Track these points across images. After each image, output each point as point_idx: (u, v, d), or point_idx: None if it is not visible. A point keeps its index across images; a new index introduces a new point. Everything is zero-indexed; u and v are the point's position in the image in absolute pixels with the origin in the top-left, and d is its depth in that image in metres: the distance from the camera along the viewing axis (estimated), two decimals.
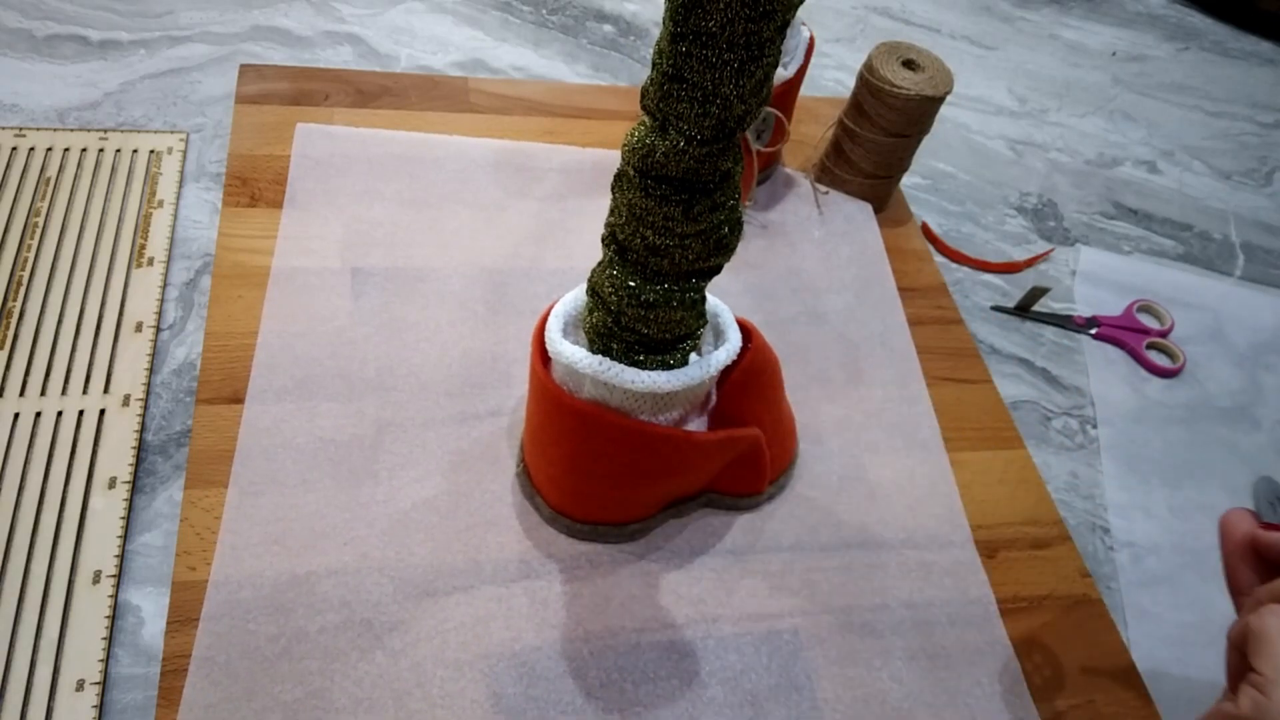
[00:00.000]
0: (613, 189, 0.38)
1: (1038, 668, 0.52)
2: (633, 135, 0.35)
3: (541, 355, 0.45)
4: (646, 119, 0.35)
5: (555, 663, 0.47)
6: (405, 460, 0.53)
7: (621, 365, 0.42)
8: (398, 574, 0.49)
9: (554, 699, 0.46)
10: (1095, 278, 0.80)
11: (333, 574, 0.48)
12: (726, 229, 0.38)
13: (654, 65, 0.33)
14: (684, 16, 0.30)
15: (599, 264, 0.41)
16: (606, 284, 0.40)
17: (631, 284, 0.39)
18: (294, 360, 0.56)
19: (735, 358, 0.46)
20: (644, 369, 0.42)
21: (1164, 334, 0.75)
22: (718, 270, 0.41)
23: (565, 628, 0.48)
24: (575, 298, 0.46)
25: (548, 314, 0.45)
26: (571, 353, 0.43)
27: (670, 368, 0.43)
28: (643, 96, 0.34)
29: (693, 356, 0.44)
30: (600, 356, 0.42)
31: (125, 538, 0.48)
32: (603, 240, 0.40)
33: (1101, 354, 0.74)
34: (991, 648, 0.52)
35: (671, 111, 0.33)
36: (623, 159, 0.37)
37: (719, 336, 0.47)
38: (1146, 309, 0.78)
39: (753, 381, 0.49)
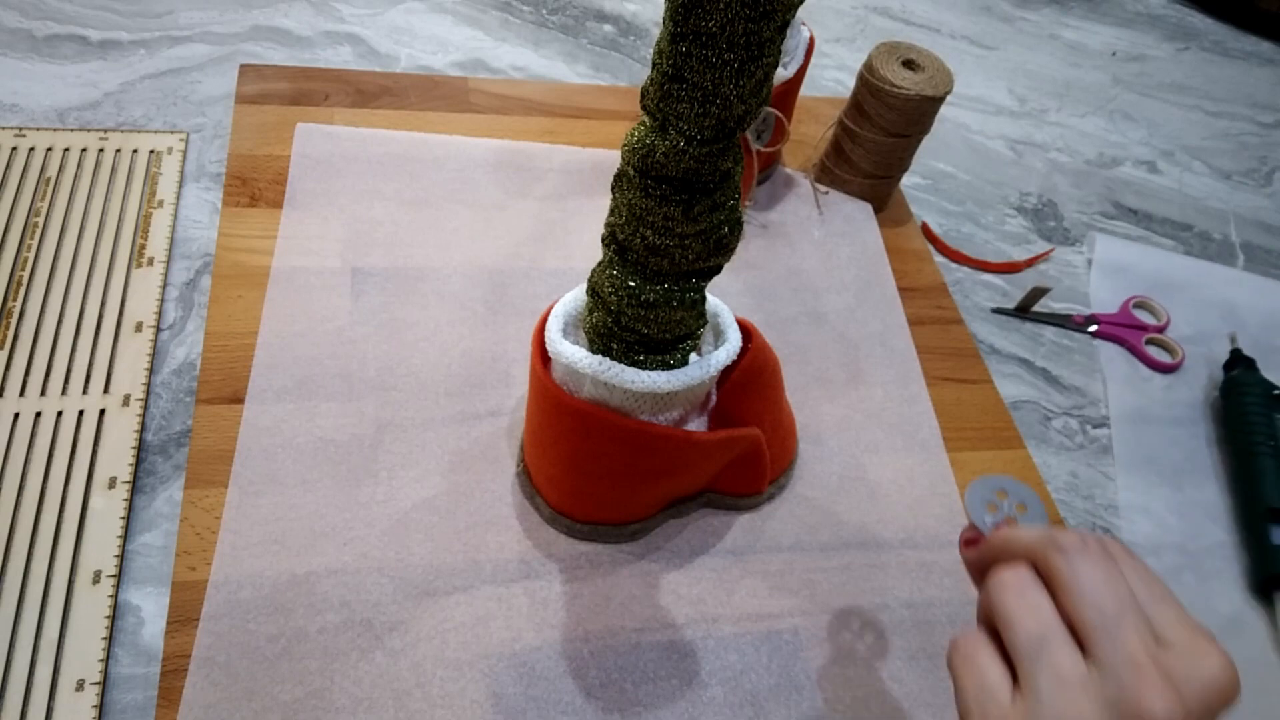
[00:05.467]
0: (613, 189, 0.38)
1: None
2: (633, 135, 0.35)
3: (541, 355, 0.45)
4: (646, 119, 0.35)
5: (555, 663, 0.47)
6: (405, 460, 0.53)
7: (621, 365, 0.42)
8: (398, 574, 0.49)
9: (554, 699, 0.46)
10: (1111, 266, 0.81)
11: (333, 574, 0.48)
12: (726, 229, 0.38)
13: (654, 65, 0.33)
14: (684, 16, 0.30)
15: (599, 264, 0.41)
16: (606, 284, 0.40)
17: (631, 284, 0.39)
18: (294, 360, 0.56)
19: (735, 358, 0.46)
20: (644, 369, 0.42)
21: (1161, 329, 0.75)
22: (718, 270, 0.41)
23: (565, 628, 0.48)
24: (575, 298, 0.46)
25: (548, 314, 0.45)
26: (571, 353, 0.43)
27: (670, 368, 0.43)
28: (643, 96, 0.34)
29: (693, 356, 0.44)
30: (600, 356, 0.42)
31: (125, 538, 0.48)
32: (603, 240, 0.40)
33: (1102, 352, 0.74)
34: None
35: (671, 111, 0.33)
36: (623, 159, 0.36)
37: (719, 336, 0.47)
38: (1142, 305, 0.78)
39: (753, 381, 0.49)
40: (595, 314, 0.42)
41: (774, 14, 0.30)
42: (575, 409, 0.44)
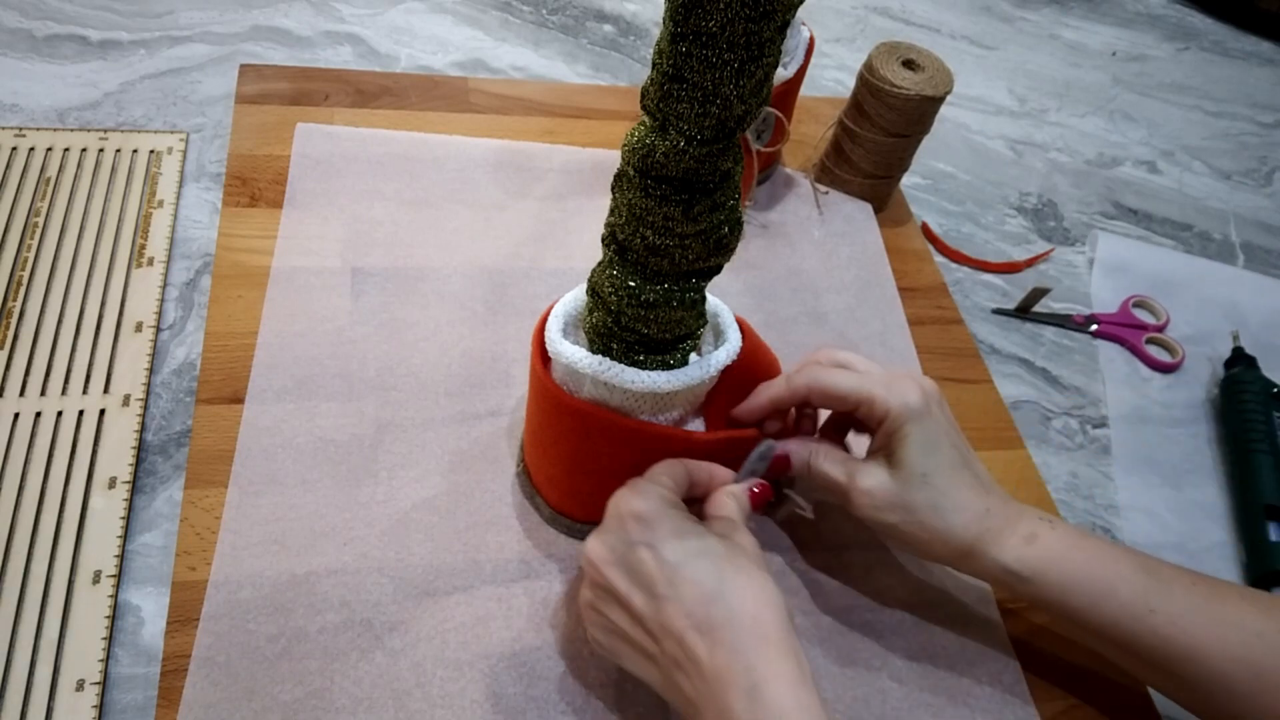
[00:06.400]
0: (613, 189, 0.38)
1: (1038, 667, 0.52)
2: (633, 135, 0.35)
3: (541, 355, 0.45)
4: (646, 119, 0.35)
5: (555, 663, 0.47)
6: (405, 460, 0.53)
7: (621, 365, 0.42)
8: (397, 574, 0.49)
9: (554, 699, 0.46)
10: (1113, 265, 0.81)
11: (332, 574, 0.48)
12: (726, 229, 0.38)
13: (654, 65, 0.33)
14: (684, 16, 0.30)
15: (599, 264, 0.41)
16: (606, 284, 0.40)
17: (631, 284, 0.39)
18: (294, 360, 0.56)
19: (735, 358, 0.46)
20: (644, 369, 0.42)
21: (1161, 329, 0.75)
22: (718, 270, 0.41)
23: (565, 628, 0.48)
24: (575, 297, 0.46)
25: (548, 314, 0.45)
26: (571, 353, 0.43)
27: (670, 368, 0.43)
28: (643, 96, 0.34)
29: (693, 356, 0.44)
30: (600, 356, 0.42)
31: (125, 538, 0.48)
32: (602, 240, 0.40)
33: (1102, 352, 0.74)
34: (992, 648, 0.52)
35: (671, 111, 0.33)
36: (623, 159, 0.37)
37: (719, 337, 0.47)
38: (1142, 304, 0.78)
39: (749, 382, 0.49)
40: (595, 314, 0.42)
41: (774, 14, 0.30)
42: (575, 409, 0.44)
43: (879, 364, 0.48)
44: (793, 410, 0.50)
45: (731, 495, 0.44)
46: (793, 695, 0.35)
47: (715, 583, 0.38)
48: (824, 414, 0.52)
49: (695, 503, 0.46)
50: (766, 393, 0.47)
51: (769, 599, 0.38)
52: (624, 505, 0.41)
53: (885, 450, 0.46)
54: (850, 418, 0.49)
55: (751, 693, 0.35)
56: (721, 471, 0.46)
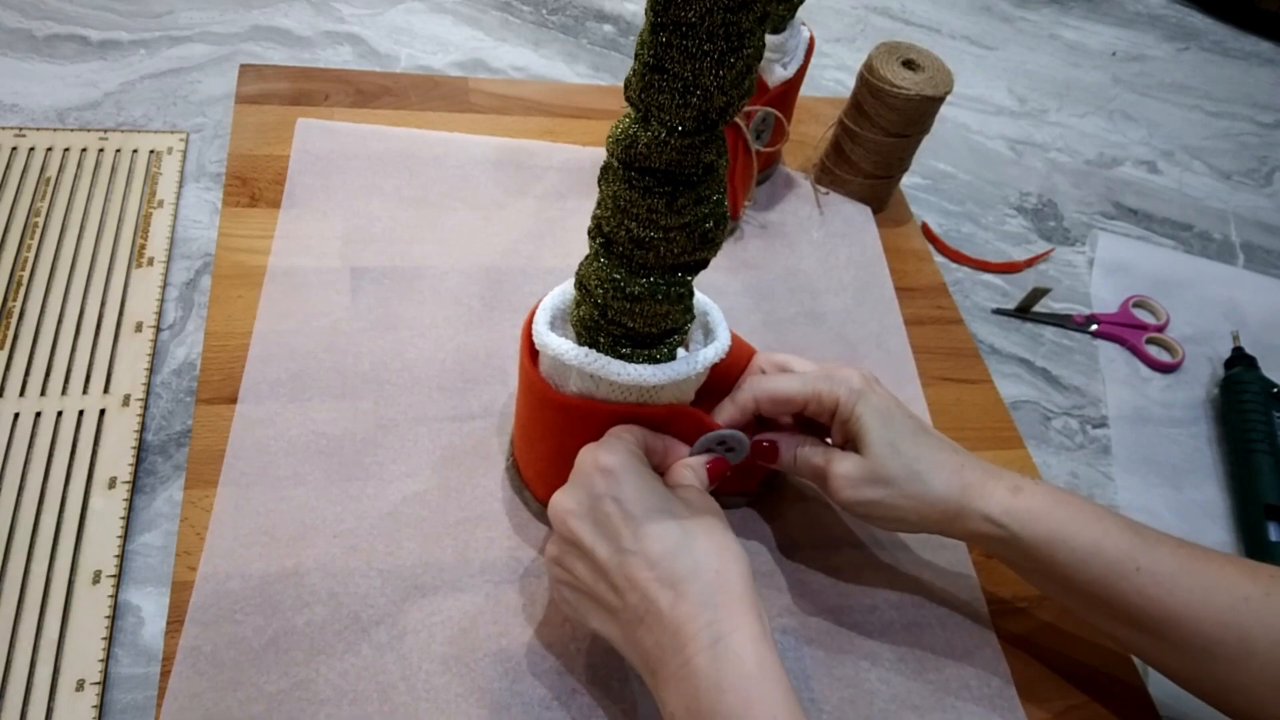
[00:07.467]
0: (599, 181, 0.38)
1: (1037, 668, 0.52)
2: (617, 127, 0.35)
3: (530, 349, 0.45)
4: (630, 110, 0.35)
5: (541, 658, 0.47)
6: (397, 455, 0.53)
7: (607, 358, 0.42)
8: (386, 568, 0.49)
9: (539, 695, 0.46)
10: (1113, 265, 0.81)
11: (321, 567, 0.48)
12: (711, 223, 0.38)
13: (636, 56, 0.33)
14: (664, 6, 0.30)
15: (586, 256, 0.41)
16: (592, 276, 0.40)
17: (616, 276, 0.39)
18: (289, 355, 0.56)
19: (724, 356, 0.46)
20: (630, 363, 0.42)
21: (1160, 329, 0.75)
22: (704, 264, 0.40)
23: (553, 624, 0.48)
24: (564, 291, 0.45)
25: (537, 307, 0.45)
26: (558, 344, 0.43)
27: (657, 362, 0.43)
28: (626, 88, 0.34)
29: (680, 352, 0.44)
30: (586, 349, 0.42)
31: (125, 538, 0.48)
32: (589, 232, 0.40)
33: (1102, 352, 0.74)
34: (981, 650, 0.52)
35: (653, 102, 0.33)
36: (608, 151, 0.37)
37: (708, 335, 0.46)
38: (1142, 304, 0.78)
39: (729, 382, 0.49)
40: (582, 307, 0.42)
41: (753, 4, 0.30)
42: (559, 402, 0.44)
43: (867, 366, 0.49)
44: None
45: (690, 467, 0.45)
46: (755, 650, 0.36)
47: (680, 537, 0.38)
48: None
49: None
50: (718, 418, 0.48)
51: (733, 555, 0.39)
52: (591, 459, 0.41)
53: (848, 437, 0.47)
54: (805, 419, 0.50)
55: (714, 646, 0.35)
56: (678, 446, 0.46)
